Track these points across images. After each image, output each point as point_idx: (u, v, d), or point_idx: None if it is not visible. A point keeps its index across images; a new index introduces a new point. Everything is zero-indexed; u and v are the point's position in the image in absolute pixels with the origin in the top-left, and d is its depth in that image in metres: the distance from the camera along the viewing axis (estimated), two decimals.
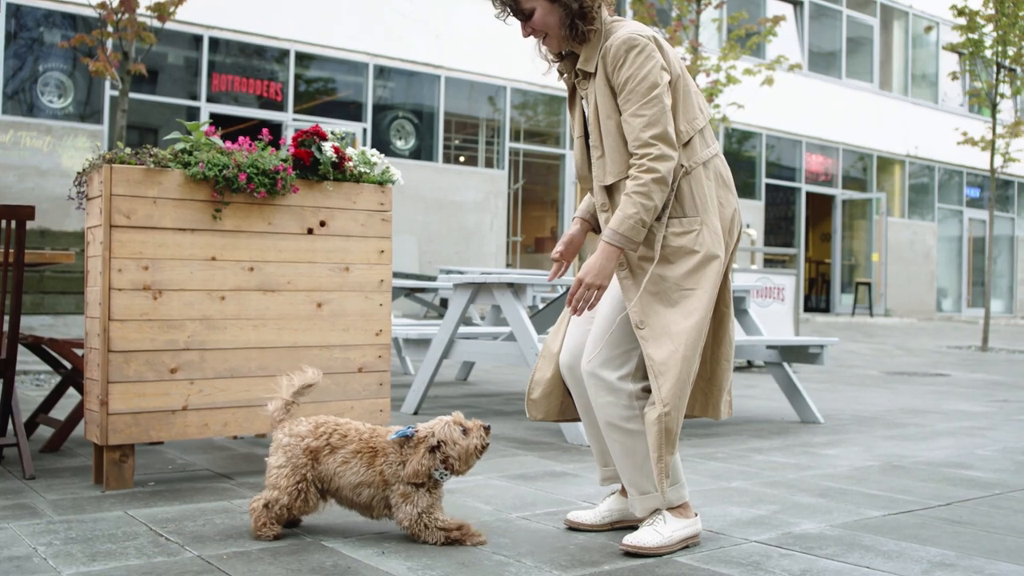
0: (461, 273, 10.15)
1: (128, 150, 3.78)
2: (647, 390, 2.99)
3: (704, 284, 2.95)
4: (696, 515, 3.07)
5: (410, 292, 9.10)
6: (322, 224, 4.12)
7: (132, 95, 11.57)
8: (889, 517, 3.48)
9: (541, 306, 6.49)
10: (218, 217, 3.87)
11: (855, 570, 2.80)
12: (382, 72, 16.06)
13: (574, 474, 4.22)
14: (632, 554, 2.90)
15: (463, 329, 6.56)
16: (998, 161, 16.80)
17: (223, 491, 3.70)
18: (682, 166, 2.98)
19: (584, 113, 3.13)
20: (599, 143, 3.02)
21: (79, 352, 4.51)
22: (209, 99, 14.08)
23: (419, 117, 16.62)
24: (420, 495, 2.98)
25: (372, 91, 15.89)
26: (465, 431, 3.05)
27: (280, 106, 14.82)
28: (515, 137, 17.97)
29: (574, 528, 3.22)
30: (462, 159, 17.30)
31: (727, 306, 3.11)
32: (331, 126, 4.18)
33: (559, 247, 3.25)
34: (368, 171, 4.26)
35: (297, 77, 15.12)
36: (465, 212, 16.86)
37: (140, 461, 4.20)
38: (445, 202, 16.52)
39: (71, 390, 5.83)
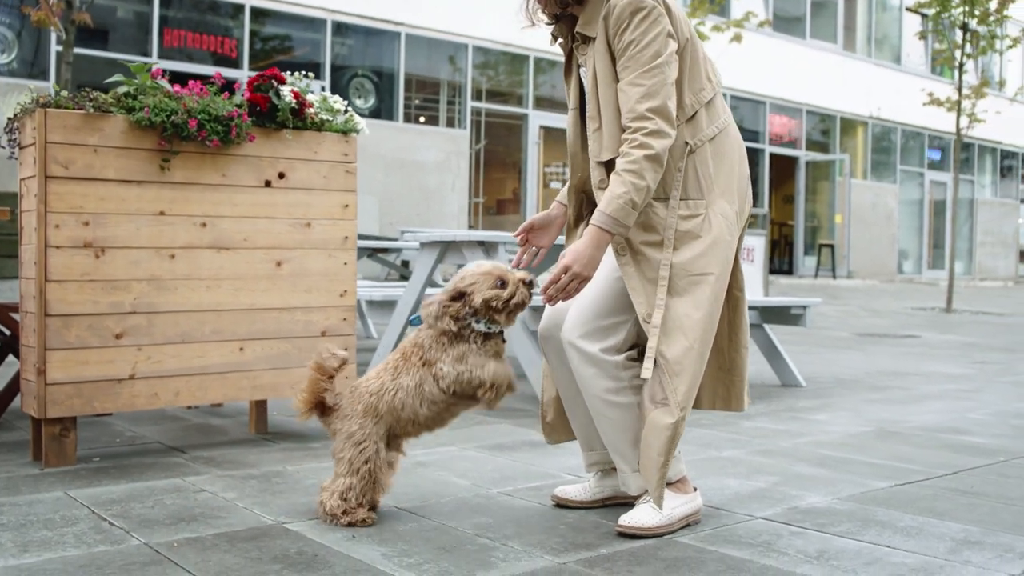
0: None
1: (65, 93, 3.42)
2: (632, 359, 2.71)
3: (714, 270, 2.67)
4: (695, 490, 2.81)
5: (372, 252, 8.76)
6: (281, 176, 3.78)
7: (80, 51, 11.05)
8: (897, 488, 3.25)
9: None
10: (166, 168, 3.52)
11: (875, 550, 2.55)
12: (340, 29, 15.58)
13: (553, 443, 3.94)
14: (630, 535, 2.63)
15: (429, 291, 6.24)
16: (963, 122, 16.68)
17: (175, 467, 3.38)
18: (686, 143, 2.69)
19: (581, 82, 2.81)
20: (596, 114, 2.70)
21: (17, 317, 4.15)
22: (161, 56, 13.53)
23: (379, 76, 16.18)
24: (461, 349, 2.68)
25: (330, 48, 15.41)
26: (503, 283, 2.69)
27: (235, 63, 14.30)
28: (477, 96, 17.58)
29: (562, 505, 2.94)
30: (422, 119, 16.90)
31: (740, 290, 2.84)
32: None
33: (526, 225, 2.94)
34: (331, 119, 3.93)
35: (253, 34, 14.61)
36: (426, 172, 16.48)
37: (84, 434, 3.86)
38: (406, 162, 16.13)
39: (11, 358, 5.45)
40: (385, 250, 8.99)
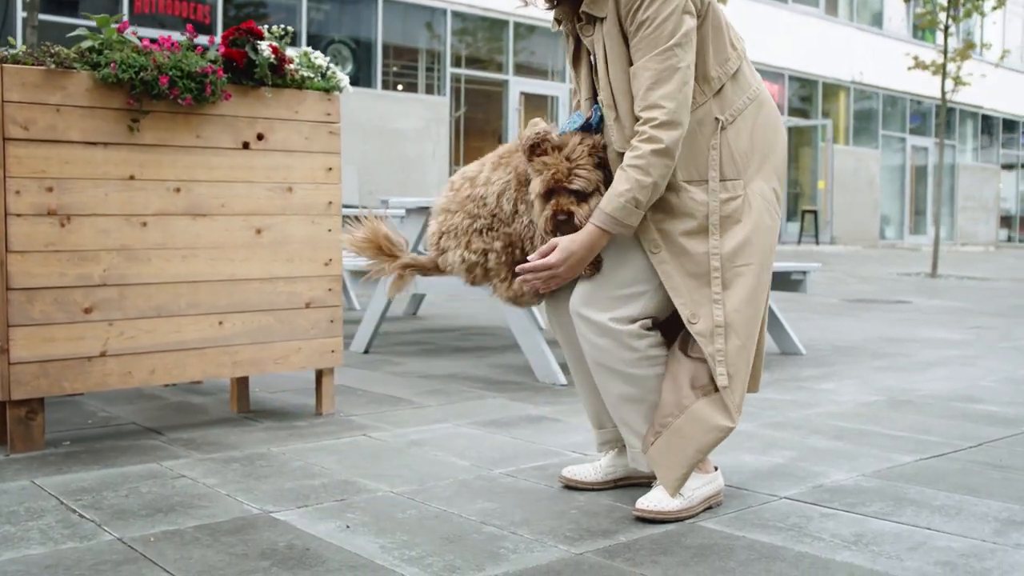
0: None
1: (23, 47, 3.15)
2: (647, 328, 2.49)
3: (757, 259, 2.46)
4: (716, 469, 2.60)
5: (355, 220, 8.49)
6: (260, 137, 3.53)
7: (48, 18, 10.69)
8: (923, 463, 3.06)
9: None
10: (136, 129, 3.26)
11: (915, 532, 2.35)
12: None
13: (553, 418, 3.73)
14: (649, 520, 2.42)
15: None
16: (949, 85, 16.50)
17: (151, 450, 3.15)
18: (716, 119, 2.45)
19: (592, 69, 2.55)
20: (612, 103, 2.45)
21: None
22: (132, 22, 13.15)
23: (356, 42, 15.84)
24: None
25: (306, 14, 15.05)
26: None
27: (208, 30, 13.91)
28: (456, 63, 17.26)
29: (571, 487, 2.73)
30: (400, 87, 16.57)
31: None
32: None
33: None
34: (312, 76, 3.67)
35: (227, 0, 14.23)
36: (406, 140, 16.18)
37: (53, 416, 3.62)
38: (385, 130, 15.82)
39: None
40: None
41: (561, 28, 2.62)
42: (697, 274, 2.44)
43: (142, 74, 3.20)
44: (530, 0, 2.57)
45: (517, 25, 17.80)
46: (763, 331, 2.61)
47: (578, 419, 3.70)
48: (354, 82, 15.41)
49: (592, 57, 2.51)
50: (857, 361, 5.42)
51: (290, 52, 3.64)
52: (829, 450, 3.21)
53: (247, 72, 3.49)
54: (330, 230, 3.71)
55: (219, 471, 2.88)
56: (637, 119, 2.39)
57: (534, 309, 4.86)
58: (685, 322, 2.44)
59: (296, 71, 3.62)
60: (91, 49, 3.23)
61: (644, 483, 2.72)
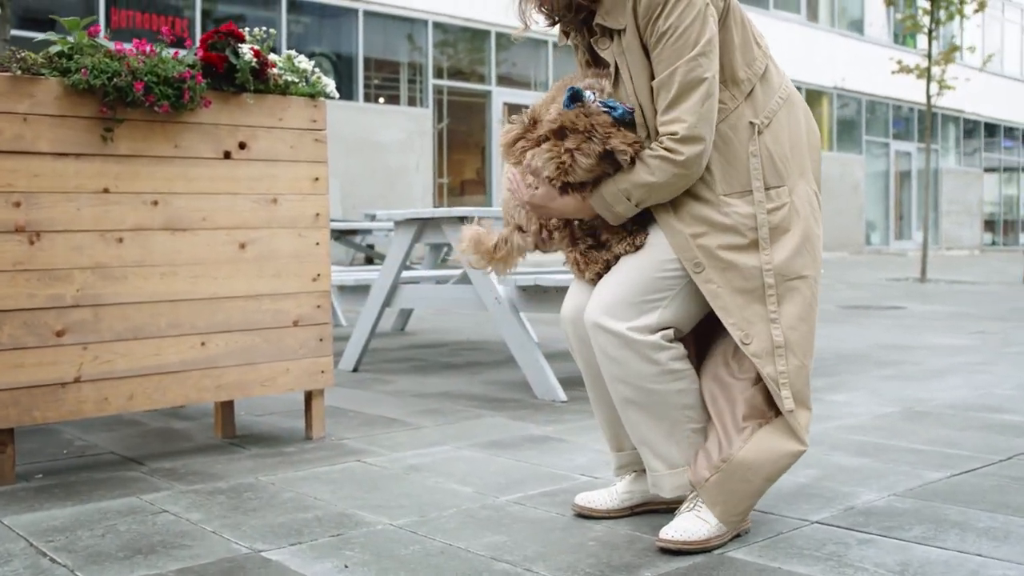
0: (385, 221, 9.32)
1: None
2: (669, 339, 2.30)
3: (810, 271, 2.30)
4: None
5: (339, 235, 8.29)
6: (242, 146, 3.33)
7: (23, 33, 10.45)
8: (955, 479, 2.87)
9: None
10: (109, 138, 3.06)
11: (966, 560, 2.16)
12: (295, 7, 15.02)
13: (558, 438, 3.54)
14: (675, 551, 2.22)
15: (404, 274, 5.81)
16: (934, 89, 16.43)
17: (130, 482, 2.94)
18: (751, 124, 2.27)
19: (613, 81, 2.34)
20: (643, 121, 2.27)
21: None
22: (109, 37, 12.91)
23: (337, 54, 15.65)
24: None
25: (286, 27, 14.86)
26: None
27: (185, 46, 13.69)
28: (439, 74, 17.09)
29: (585, 515, 2.53)
30: (381, 100, 16.38)
31: None
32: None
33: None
34: (296, 80, 3.47)
35: (205, 14, 14.02)
36: (389, 153, 15.98)
37: (26, 446, 3.40)
38: (367, 143, 15.62)
39: None
40: (353, 232, 8.52)
41: (569, 42, 2.43)
42: (746, 290, 2.26)
43: (115, 80, 2.99)
44: (530, 21, 2.38)
45: (499, 35, 17.65)
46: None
47: (584, 438, 3.51)
48: None
49: (612, 69, 2.31)
50: (864, 370, 5.25)
51: (273, 57, 3.45)
52: (854, 467, 3.03)
53: (227, 77, 3.29)
54: (318, 243, 3.51)
55: (203, 504, 2.67)
56: (659, 132, 2.23)
57: (527, 323, 4.67)
58: (738, 343, 2.25)
59: (279, 76, 3.42)
60: (60, 54, 3.03)
61: (663, 510, 2.53)
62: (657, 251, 2.29)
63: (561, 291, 4.44)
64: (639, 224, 2.34)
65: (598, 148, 2.19)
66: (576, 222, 2.40)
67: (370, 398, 4.45)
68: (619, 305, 2.28)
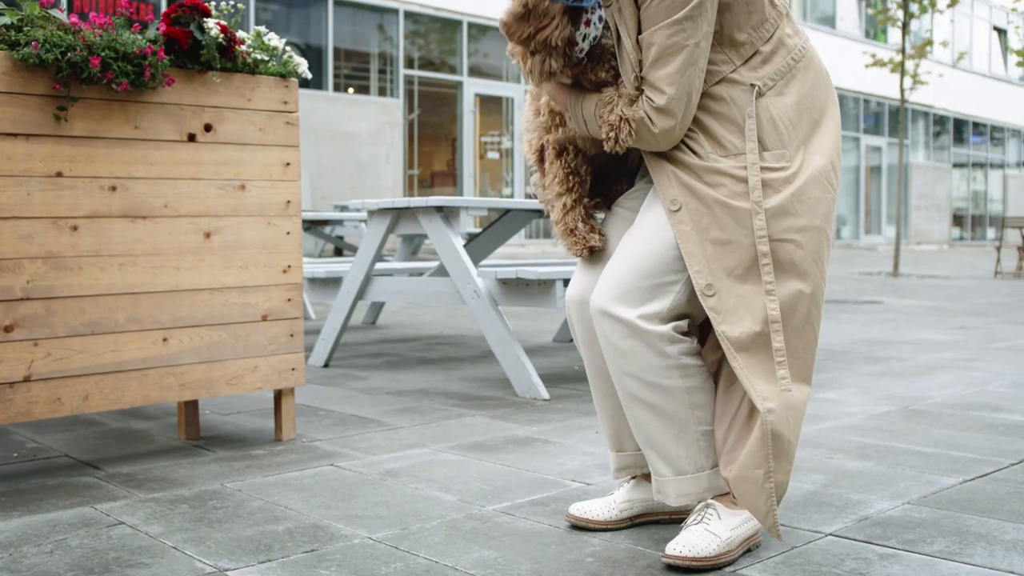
0: (357, 211, 9.06)
1: None
2: (682, 331, 2.11)
3: (807, 235, 2.08)
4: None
5: (309, 225, 8.06)
6: (208, 128, 3.11)
7: None
8: (969, 486, 2.71)
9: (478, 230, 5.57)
10: (63, 118, 2.83)
11: None
12: None
13: (543, 439, 3.34)
14: (683, 568, 2.04)
15: (378, 266, 5.60)
16: (907, 83, 16.38)
17: (85, 490, 2.71)
18: (753, 85, 2.08)
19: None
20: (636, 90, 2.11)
21: None
22: (64, 10, 12.57)
23: (306, 43, 15.36)
24: None
25: (254, 16, 14.55)
26: None
27: None
28: (409, 64, 16.84)
29: (581, 527, 2.33)
30: (351, 90, 16.11)
31: None
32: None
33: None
34: (266, 59, 3.26)
35: (169, 2, 13.69)
36: (358, 144, 15.72)
37: None
38: (337, 134, 15.36)
39: None
40: (323, 223, 8.28)
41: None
42: (723, 241, 2.06)
43: (69, 55, 2.76)
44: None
45: (471, 26, 17.42)
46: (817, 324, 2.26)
47: (571, 440, 3.32)
48: (303, 84, 14.92)
49: (613, 32, 2.12)
50: (852, 366, 5.10)
51: (241, 34, 3.23)
52: (860, 472, 2.86)
53: (192, 54, 3.06)
54: (289, 233, 3.30)
55: (164, 515, 2.45)
56: (639, 90, 2.06)
57: (506, 318, 4.47)
58: (699, 293, 2.06)
59: (248, 53, 3.20)
60: (9, 26, 2.79)
61: (666, 521, 2.35)
62: (669, 229, 2.10)
63: (543, 285, 4.24)
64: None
65: (539, 56, 2.08)
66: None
67: (342, 396, 4.24)
68: (629, 290, 2.09)
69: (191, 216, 3.07)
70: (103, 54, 2.82)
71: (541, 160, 2.34)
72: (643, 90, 2.06)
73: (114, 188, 2.92)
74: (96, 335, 2.89)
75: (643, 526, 2.34)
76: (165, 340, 3.02)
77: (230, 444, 3.29)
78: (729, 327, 2.04)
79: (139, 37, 2.91)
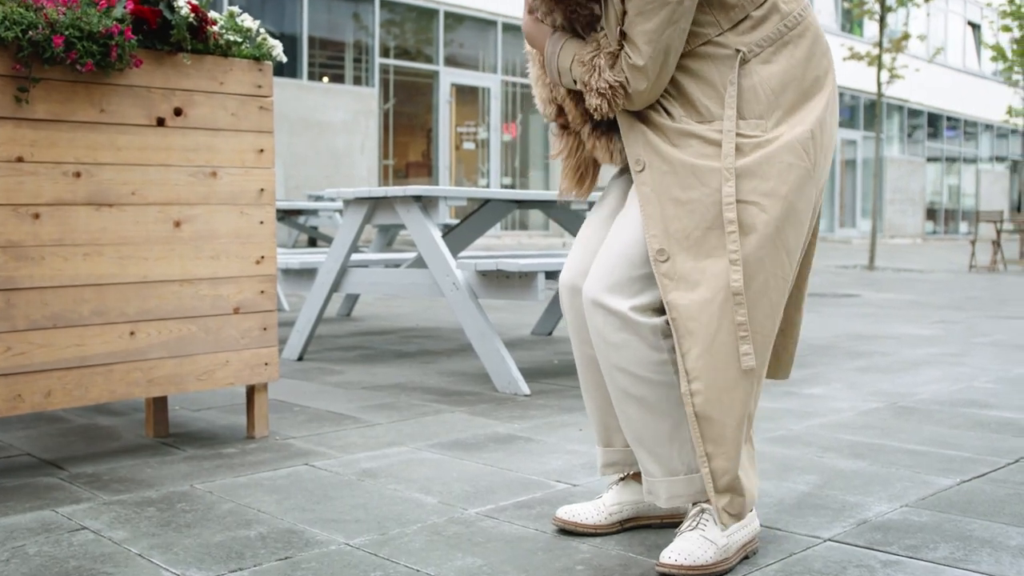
0: (332, 201, 8.91)
1: None
2: None
3: (760, 199, 1.94)
4: (751, 509, 2.12)
5: (283, 215, 7.91)
6: (178, 112, 2.97)
7: None
8: (967, 487, 2.62)
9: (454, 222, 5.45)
10: (25, 100, 2.69)
11: None
12: None
13: (525, 437, 3.24)
14: None
15: (354, 257, 5.47)
16: (884, 77, 16.38)
17: (46, 492, 2.58)
18: (737, 51, 1.97)
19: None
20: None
21: None
22: None
23: (281, 32, 15.15)
24: None
25: (227, 2, 14.34)
26: None
27: None
28: (385, 53, 16.66)
29: (569, 531, 2.23)
30: (326, 79, 15.92)
31: (815, 235, 2.15)
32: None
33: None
34: (240, 41, 3.12)
35: None
36: (333, 133, 15.54)
37: None
38: (311, 123, 15.17)
39: None
40: (297, 212, 8.13)
41: None
42: (683, 201, 1.95)
43: (31, 33, 2.62)
44: None
45: (447, 15, 17.26)
46: (803, 307, 2.15)
47: (554, 438, 3.21)
48: (278, 71, 14.72)
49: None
50: (836, 361, 5.02)
51: (213, 14, 3.09)
52: (854, 472, 2.77)
53: (161, 34, 2.93)
54: (262, 222, 3.17)
55: (130, 519, 2.32)
56: (620, 45, 1.96)
57: (484, 310, 4.35)
58: (651, 260, 1.96)
59: (220, 35, 3.07)
60: None
61: (658, 526, 2.25)
62: None
63: (524, 277, 4.13)
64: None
65: None
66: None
67: (317, 391, 4.11)
68: (620, 280, 1.98)
69: (160, 204, 2.94)
70: (67, 33, 2.68)
71: (560, 113, 2.23)
72: (624, 46, 1.95)
73: (78, 174, 2.78)
74: (59, 328, 2.75)
75: (634, 531, 2.24)
76: (132, 334, 2.89)
77: (200, 442, 3.16)
78: (679, 295, 1.93)
79: (105, 16, 2.77)
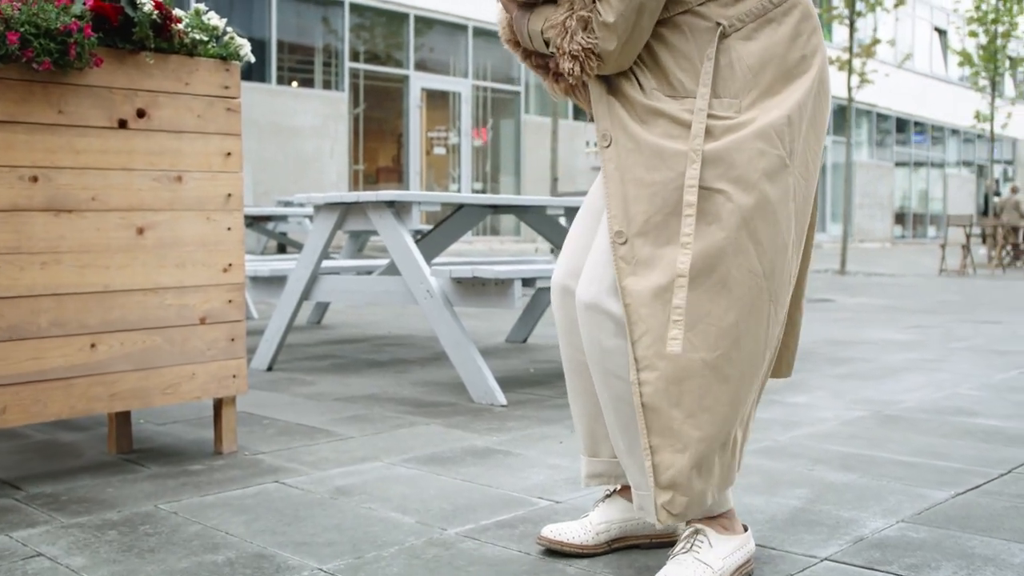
0: (302, 206, 8.76)
1: None
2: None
3: (725, 186, 1.83)
4: (746, 529, 2.02)
5: (252, 221, 7.76)
6: (140, 114, 2.84)
7: None
8: (962, 500, 2.54)
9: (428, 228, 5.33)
10: None
11: None
12: None
13: (504, 451, 3.13)
14: None
15: (326, 263, 5.34)
16: (854, 81, 16.42)
17: (2, 514, 2.44)
18: (718, 24, 1.87)
19: None
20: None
21: None
22: None
23: (249, 35, 14.97)
24: None
25: (193, 5, 14.15)
26: None
27: None
28: (355, 58, 16.52)
29: (555, 551, 2.12)
30: (295, 83, 15.76)
31: (811, 229, 2.05)
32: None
33: None
34: (206, 39, 3.00)
35: None
36: (302, 138, 15.38)
37: None
38: (280, 127, 15.00)
39: None
40: (266, 218, 7.98)
41: None
42: (646, 183, 1.84)
43: None
44: None
45: (417, 19, 17.15)
46: (802, 304, 2.06)
47: (534, 451, 3.11)
48: (246, 75, 14.56)
49: None
50: (816, 367, 4.95)
51: (178, 12, 2.97)
52: (845, 485, 2.68)
53: (123, 32, 2.80)
54: (230, 228, 3.04)
55: (89, 544, 2.19)
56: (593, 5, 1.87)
57: (459, 318, 4.23)
58: (611, 241, 1.87)
59: (185, 33, 2.94)
60: None
61: (647, 546, 2.14)
62: None
63: (501, 284, 4.03)
64: None
65: None
66: None
67: (287, 402, 3.98)
68: (614, 284, 1.87)
69: (122, 210, 2.81)
70: (22, 30, 2.55)
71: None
72: (596, 4, 1.85)
73: (35, 179, 2.64)
74: (15, 341, 2.61)
75: (623, 551, 2.14)
76: (93, 346, 2.75)
77: (165, 458, 3.03)
78: (634, 280, 1.83)
79: (63, 12, 2.64)
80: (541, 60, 2.10)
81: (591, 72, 1.89)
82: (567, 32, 1.87)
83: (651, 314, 1.82)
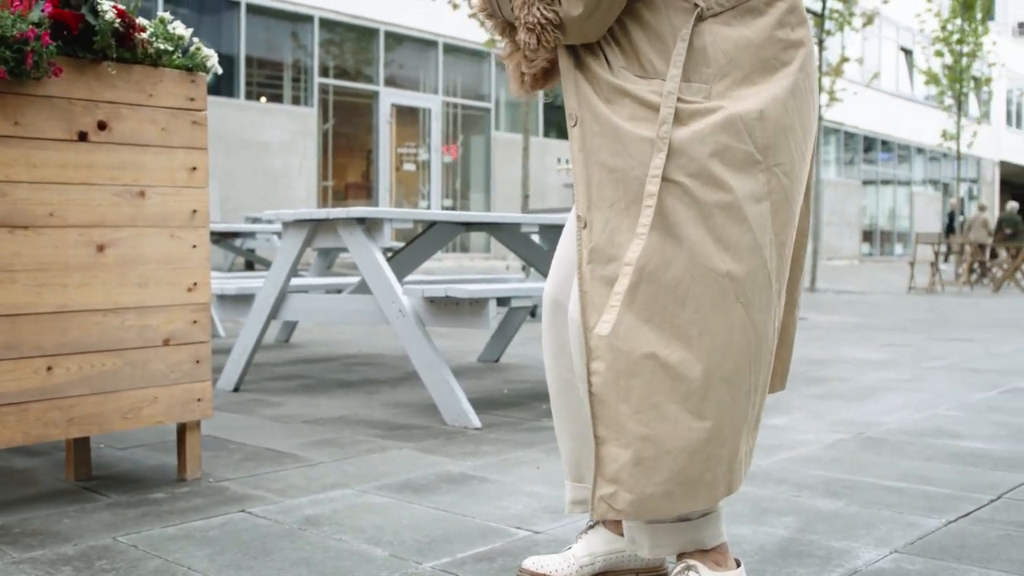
0: (270, 223, 8.61)
1: None
2: None
3: (680, 178, 1.73)
4: (739, 564, 1.93)
5: (219, 238, 7.61)
6: (102, 127, 2.72)
7: None
8: (955, 528, 2.46)
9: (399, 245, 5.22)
10: None
11: None
12: None
13: (479, 476, 3.02)
14: None
15: (295, 281, 5.22)
16: (824, 99, 16.50)
17: None
18: (696, 6, 1.79)
19: None
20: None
21: None
22: None
23: (218, 50, 14.84)
24: None
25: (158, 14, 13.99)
26: None
27: None
28: (324, 73, 16.40)
29: None
30: (264, 99, 15.62)
31: (804, 234, 1.96)
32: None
33: None
34: (171, 49, 2.89)
35: None
36: (271, 154, 15.23)
37: None
38: (249, 143, 14.84)
39: None
40: (234, 235, 7.84)
41: None
42: (610, 168, 1.75)
43: None
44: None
45: (387, 35, 17.06)
46: (795, 312, 1.96)
47: (511, 477, 3.00)
48: (214, 90, 14.39)
49: None
50: (795, 387, 4.88)
51: (142, 21, 2.86)
52: (833, 513, 2.59)
53: (84, 41, 2.68)
54: (195, 246, 2.92)
55: None
56: None
57: (431, 338, 4.13)
58: (577, 226, 1.79)
59: (149, 42, 2.83)
60: None
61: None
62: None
63: (475, 304, 3.93)
64: None
65: None
66: None
67: (254, 425, 3.86)
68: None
69: (81, 226, 2.68)
70: None
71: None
72: None
73: None
74: None
75: None
76: (49, 369, 2.62)
77: (126, 486, 2.90)
78: (592, 267, 1.75)
79: (20, 19, 2.52)
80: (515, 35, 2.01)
81: (548, 45, 1.80)
82: (527, 2, 1.79)
83: (604, 303, 1.73)
